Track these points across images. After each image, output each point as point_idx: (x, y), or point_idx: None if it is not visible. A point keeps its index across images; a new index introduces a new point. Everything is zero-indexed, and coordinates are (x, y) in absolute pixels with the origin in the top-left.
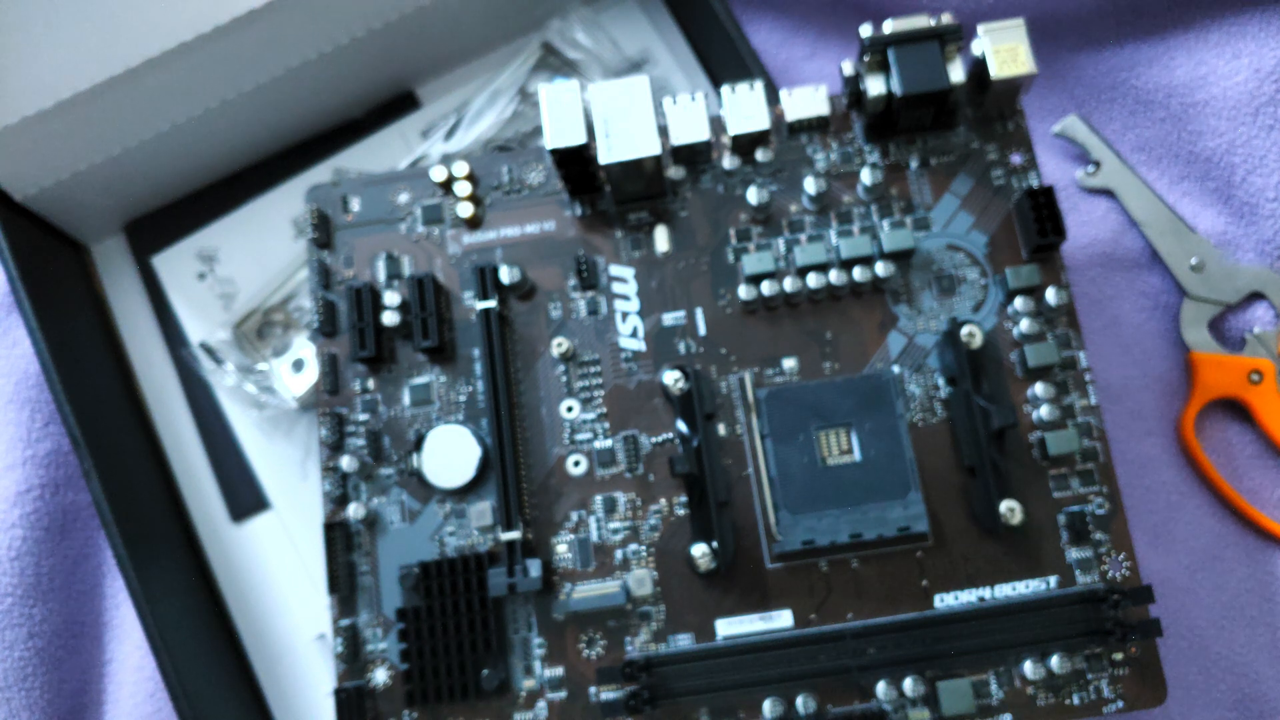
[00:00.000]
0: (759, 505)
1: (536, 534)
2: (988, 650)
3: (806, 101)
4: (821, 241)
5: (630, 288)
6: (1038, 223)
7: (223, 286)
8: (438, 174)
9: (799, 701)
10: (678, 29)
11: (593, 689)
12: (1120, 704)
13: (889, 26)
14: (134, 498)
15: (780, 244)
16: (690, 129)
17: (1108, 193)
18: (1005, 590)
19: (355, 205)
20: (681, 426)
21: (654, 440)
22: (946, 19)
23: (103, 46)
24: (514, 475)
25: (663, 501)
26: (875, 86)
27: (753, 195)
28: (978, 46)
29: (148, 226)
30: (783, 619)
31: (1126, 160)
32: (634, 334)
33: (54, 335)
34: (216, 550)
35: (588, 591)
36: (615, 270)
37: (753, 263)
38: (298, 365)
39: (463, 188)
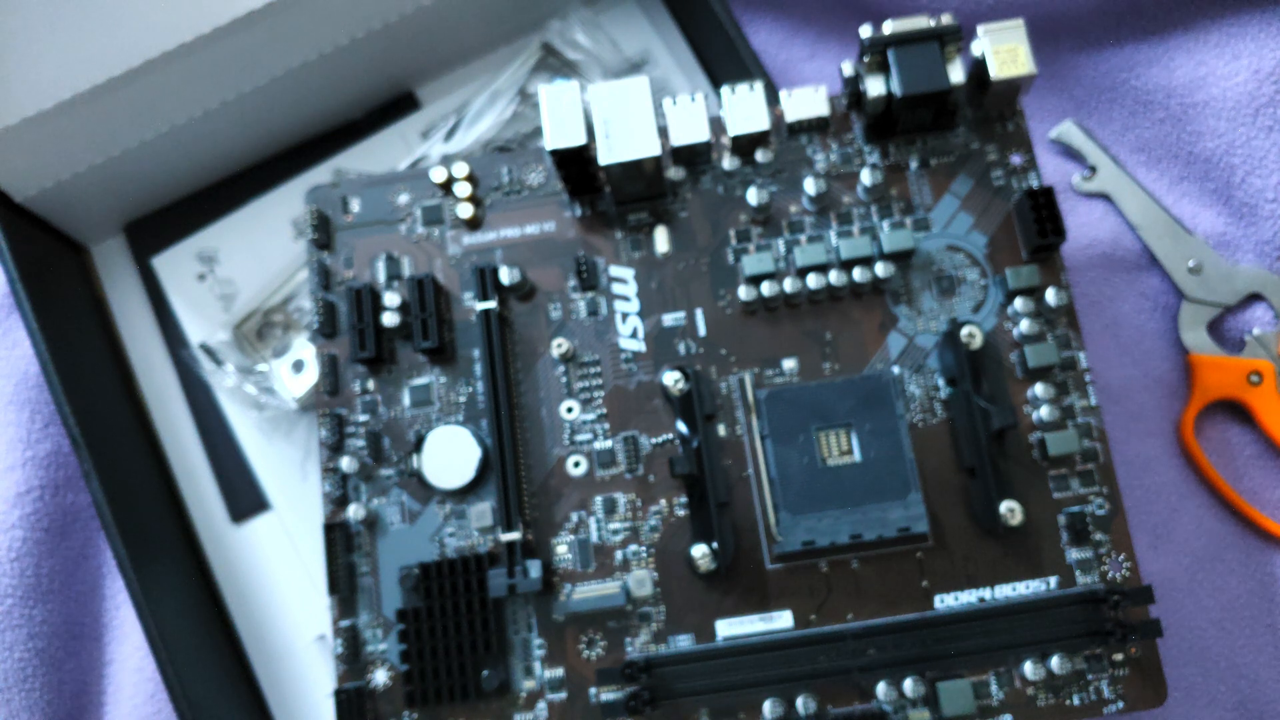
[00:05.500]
0: (759, 506)
1: (536, 535)
2: (988, 651)
3: (806, 102)
4: (821, 242)
5: (630, 288)
6: (1038, 223)
7: (223, 287)
8: (437, 175)
9: (799, 702)
10: (678, 29)
11: (593, 690)
12: (1120, 704)
13: (889, 27)
14: (134, 498)
15: (780, 245)
16: (690, 130)
17: (1104, 197)
18: (1005, 591)
19: (355, 206)
20: (681, 427)
21: (654, 441)
22: (946, 19)
23: (103, 47)
24: (514, 476)
25: (663, 502)
26: (875, 87)
27: (753, 196)
28: (977, 47)
29: (148, 227)
30: (783, 620)
31: (1123, 163)
32: (634, 335)
33: (54, 336)
34: (216, 551)
35: (588, 592)
36: (615, 271)
37: (753, 263)
38: (298, 366)
39: (462, 188)
